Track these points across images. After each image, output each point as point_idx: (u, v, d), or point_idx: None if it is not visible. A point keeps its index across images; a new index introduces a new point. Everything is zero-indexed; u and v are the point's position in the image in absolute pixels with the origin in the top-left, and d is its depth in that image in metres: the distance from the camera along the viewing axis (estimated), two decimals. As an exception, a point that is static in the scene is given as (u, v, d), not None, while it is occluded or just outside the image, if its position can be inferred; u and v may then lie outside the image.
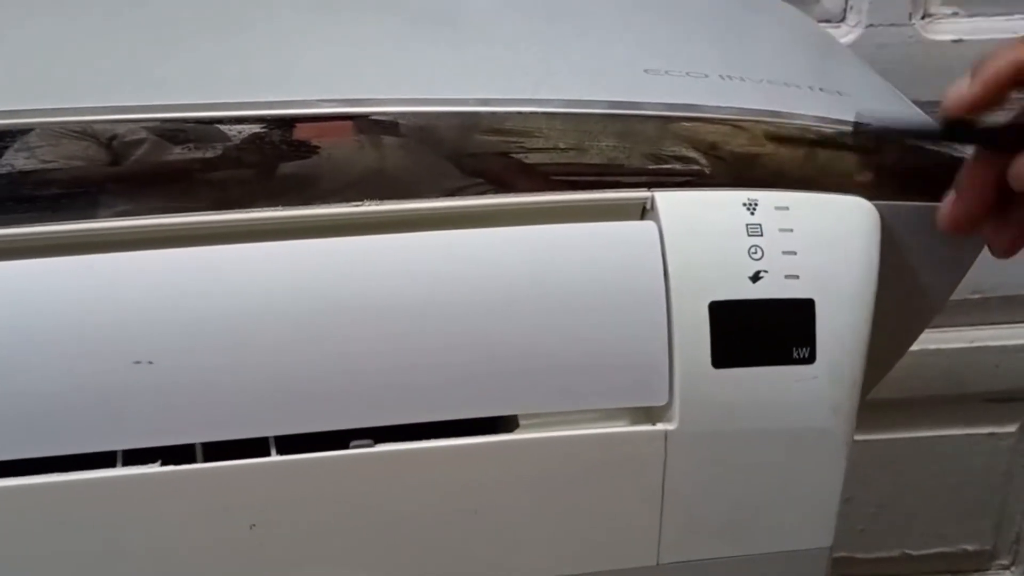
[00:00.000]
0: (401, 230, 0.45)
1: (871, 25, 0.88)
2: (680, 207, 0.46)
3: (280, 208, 0.44)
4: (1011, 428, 1.05)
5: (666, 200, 0.46)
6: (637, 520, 0.48)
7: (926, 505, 1.07)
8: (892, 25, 0.88)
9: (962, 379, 1.01)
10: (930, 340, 0.98)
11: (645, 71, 0.51)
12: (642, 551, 0.48)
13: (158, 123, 0.44)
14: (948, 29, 0.90)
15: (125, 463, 0.43)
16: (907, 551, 1.09)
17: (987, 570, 1.12)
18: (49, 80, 0.47)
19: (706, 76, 0.51)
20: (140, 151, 0.44)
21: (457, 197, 0.46)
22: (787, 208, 0.47)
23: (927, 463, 1.05)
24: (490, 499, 0.46)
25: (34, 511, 0.43)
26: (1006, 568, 1.12)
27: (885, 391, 0.92)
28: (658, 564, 0.49)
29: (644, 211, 0.47)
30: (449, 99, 0.47)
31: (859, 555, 1.08)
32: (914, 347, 0.91)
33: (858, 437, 1.02)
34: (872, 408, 0.95)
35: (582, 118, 0.47)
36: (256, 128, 0.45)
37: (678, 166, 0.48)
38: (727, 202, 0.47)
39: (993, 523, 1.09)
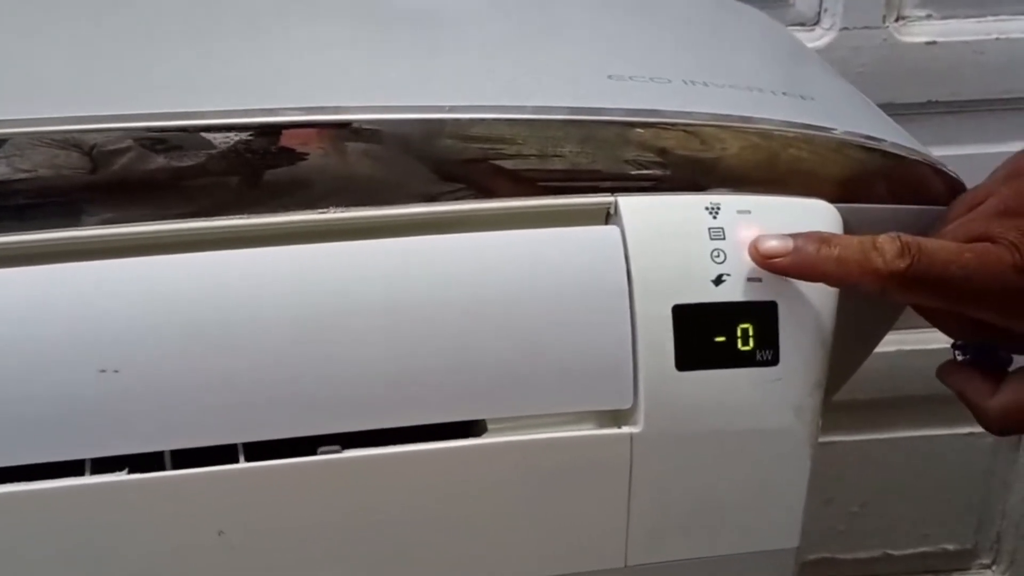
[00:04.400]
0: (366, 237, 0.45)
1: (845, 28, 0.88)
2: (643, 211, 0.47)
3: (244, 216, 0.45)
4: (991, 427, 1.05)
5: (629, 205, 0.47)
6: (604, 522, 0.48)
7: (907, 505, 1.07)
8: (866, 28, 0.88)
9: (942, 379, 1.01)
10: (909, 340, 0.98)
11: (608, 77, 0.51)
12: (610, 553, 0.49)
13: (136, 131, 0.44)
14: (922, 31, 0.90)
15: (93, 472, 0.43)
16: (888, 551, 1.09)
17: (968, 569, 1.12)
18: (30, 88, 0.47)
19: (669, 81, 0.52)
20: (121, 161, 0.44)
21: (420, 204, 0.46)
22: (749, 211, 0.47)
23: (908, 463, 1.05)
24: (458, 503, 0.47)
25: (0, 521, 0.43)
26: (987, 567, 1.12)
27: (865, 391, 0.92)
28: (626, 566, 0.49)
29: (608, 216, 0.47)
30: (415, 106, 0.47)
31: (840, 556, 1.08)
32: (893, 347, 0.91)
33: (838, 437, 1.02)
34: (852, 408, 0.95)
35: (544, 124, 0.47)
36: (232, 136, 0.45)
37: (641, 171, 0.48)
38: (689, 206, 0.47)
39: (974, 522, 1.09)
